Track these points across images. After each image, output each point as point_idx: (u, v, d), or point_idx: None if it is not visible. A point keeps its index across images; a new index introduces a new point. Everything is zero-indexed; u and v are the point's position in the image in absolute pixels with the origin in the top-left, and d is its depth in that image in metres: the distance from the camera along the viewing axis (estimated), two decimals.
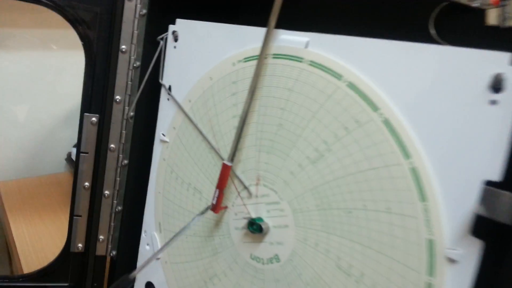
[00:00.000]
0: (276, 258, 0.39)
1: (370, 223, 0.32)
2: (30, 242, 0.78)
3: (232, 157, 0.40)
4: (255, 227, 0.39)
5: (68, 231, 0.55)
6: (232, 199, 0.42)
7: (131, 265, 0.55)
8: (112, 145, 0.53)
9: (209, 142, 0.44)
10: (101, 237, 0.55)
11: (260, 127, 0.39)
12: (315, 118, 0.35)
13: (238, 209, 0.42)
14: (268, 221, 0.39)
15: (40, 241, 0.77)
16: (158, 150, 0.51)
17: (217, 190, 0.41)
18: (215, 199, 0.41)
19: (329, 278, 0.35)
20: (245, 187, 0.41)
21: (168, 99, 0.49)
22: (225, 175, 0.40)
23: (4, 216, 0.86)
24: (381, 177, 0.32)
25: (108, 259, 0.57)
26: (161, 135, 0.50)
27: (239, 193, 0.42)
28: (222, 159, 0.41)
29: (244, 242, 0.42)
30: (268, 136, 0.39)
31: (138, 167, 0.53)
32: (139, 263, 0.54)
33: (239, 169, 0.42)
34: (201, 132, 0.45)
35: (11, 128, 1.01)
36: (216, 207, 0.41)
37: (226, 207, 0.43)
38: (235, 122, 0.41)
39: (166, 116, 0.49)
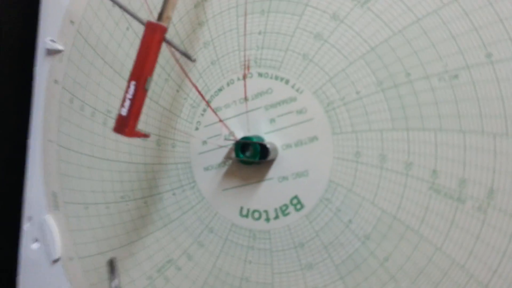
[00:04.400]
0: (296, 203, 0.21)
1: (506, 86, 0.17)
2: None
3: (164, 12, 0.21)
4: (249, 154, 0.21)
5: None
6: (189, 115, 0.24)
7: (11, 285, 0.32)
8: None
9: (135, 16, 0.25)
10: None
11: None
12: None
13: (209, 132, 0.23)
14: (273, 138, 0.22)
15: None
16: (43, 70, 0.30)
17: (132, 83, 0.20)
18: (127, 102, 0.19)
19: (415, 214, 0.18)
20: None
21: None
22: (150, 48, 0.19)
23: None
24: None
25: None
26: (49, 42, 0.29)
27: (203, 97, 0.23)
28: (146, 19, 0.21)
29: (225, 190, 0.23)
30: None
31: (10, 109, 0.31)
32: (25, 276, 0.32)
33: (207, 58, 0.23)
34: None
35: None
36: (128, 122, 0.19)
37: (147, 136, 0.22)
38: None
39: (55, 11, 0.29)
